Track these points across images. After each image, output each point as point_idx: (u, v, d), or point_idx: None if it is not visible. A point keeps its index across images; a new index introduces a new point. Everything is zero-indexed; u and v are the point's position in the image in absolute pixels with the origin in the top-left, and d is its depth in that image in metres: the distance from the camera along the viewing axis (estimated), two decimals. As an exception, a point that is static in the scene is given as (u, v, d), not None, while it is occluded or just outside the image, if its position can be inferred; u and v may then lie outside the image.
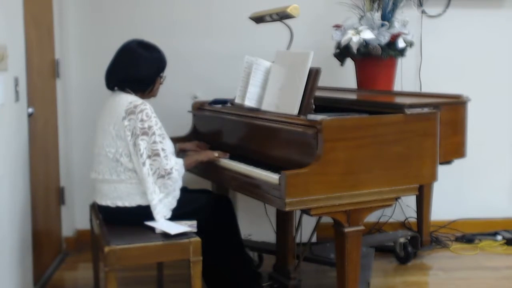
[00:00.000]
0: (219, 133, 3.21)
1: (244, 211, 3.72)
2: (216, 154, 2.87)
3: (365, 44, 3.54)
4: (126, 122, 2.57)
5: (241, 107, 2.98)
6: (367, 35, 3.53)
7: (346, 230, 2.50)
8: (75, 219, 4.01)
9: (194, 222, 2.61)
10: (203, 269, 2.50)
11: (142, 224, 2.58)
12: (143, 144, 2.56)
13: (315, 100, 2.67)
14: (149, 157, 2.57)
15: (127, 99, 2.64)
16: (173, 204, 2.65)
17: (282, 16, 3.05)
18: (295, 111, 2.66)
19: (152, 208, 2.59)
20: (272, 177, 2.41)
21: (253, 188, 2.56)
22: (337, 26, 3.73)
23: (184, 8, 4.04)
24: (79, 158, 3.98)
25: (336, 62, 3.76)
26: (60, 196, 3.77)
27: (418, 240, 3.71)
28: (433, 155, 2.67)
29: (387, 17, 3.64)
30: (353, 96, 3.31)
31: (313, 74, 2.67)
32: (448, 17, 4.14)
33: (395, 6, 3.65)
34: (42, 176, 3.35)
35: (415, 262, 3.68)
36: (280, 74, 2.83)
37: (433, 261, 3.73)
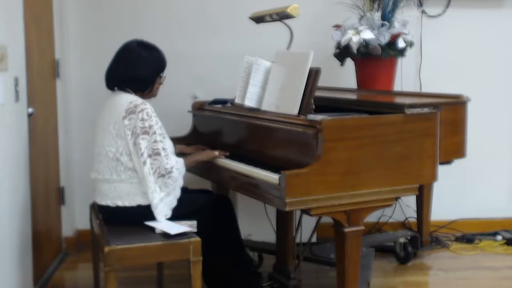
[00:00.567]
0: (219, 133, 3.21)
1: (244, 211, 3.72)
2: (216, 153, 2.88)
3: (365, 44, 3.54)
4: (126, 122, 2.57)
5: (241, 107, 2.98)
6: (367, 35, 3.53)
7: (346, 230, 2.50)
8: (75, 219, 4.01)
9: (194, 222, 2.61)
10: (203, 269, 2.50)
11: (142, 224, 2.58)
12: (143, 143, 2.56)
13: (315, 100, 2.67)
14: (149, 156, 2.57)
15: (127, 99, 2.64)
16: (174, 203, 2.65)
17: (282, 16, 3.05)
18: (295, 111, 2.66)
19: (153, 208, 2.59)
20: (272, 177, 2.41)
21: (253, 188, 2.56)
22: (337, 26, 3.73)
23: (184, 8, 4.04)
24: (79, 158, 3.98)
25: (336, 62, 3.76)
26: (60, 196, 3.77)
27: (418, 240, 3.71)
28: (433, 155, 2.67)
29: (387, 17, 3.64)
30: (353, 96, 3.31)
31: (313, 74, 2.67)
32: (448, 17, 4.14)
33: (395, 6, 3.65)
34: (42, 176, 3.35)
35: (415, 262, 3.68)
36: (280, 74, 2.83)
37: (433, 261, 3.73)
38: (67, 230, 3.87)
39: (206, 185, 3.33)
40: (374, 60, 3.59)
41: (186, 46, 4.01)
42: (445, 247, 3.95)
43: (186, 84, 3.97)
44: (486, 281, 3.40)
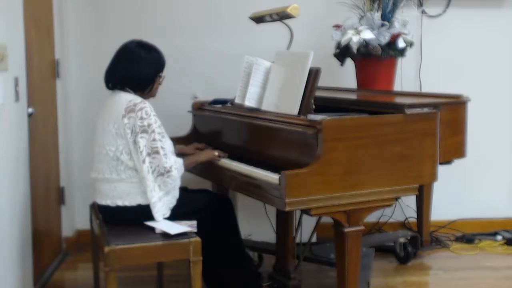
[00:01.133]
0: (219, 133, 3.21)
1: (244, 211, 3.72)
2: (216, 153, 2.88)
3: (365, 44, 3.54)
4: (125, 120, 2.58)
5: (241, 107, 2.98)
6: (367, 35, 3.53)
7: (346, 230, 2.50)
8: (75, 219, 4.01)
9: (194, 222, 2.61)
10: (203, 269, 2.50)
11: (142, 223, 2.58)
12: (142, 141, 2.56)
13: (315, 100, 2.67)
14: (148, 154, 2.57)
15: (127, 98, 2.64)
16: (173, 203, 2.65)
17: (282, 16, 3.05)
18: (295, 111, 2.66)
19: (152, 207, 2.59)
20: (272, 177, 2.41)
21: (253, 188, 2.56)
22: (337, 26, 3.73)
23: (184, 8, 4.04)
24: (79, 158, 3.98)
25: (336, 62, 3.76)
26: (60, 196, 3.77)
27: (418, 240, 3.71)
28: (433, 155, 2.67)
29: (387, 17, 3.64)
30: (353, 96, 3.31)
31: (313, 74, 2.67)
32: (448, 17, 4.14)
33: (395, 6, 3.65)
34: (42, 176, 3.35)
35: (415, 262, 3.68)
36: (280, 74, 2.83)
37: (433, 261, 3.73)
38: (67, 230, 3.87)
39: (206, 185, 3.33)
40: (374, 60, 3.59)
41: (186, 46, 4.01)
42: (445, 247, 3.95)
43: (186, 84, 3.96)
44: (486, 281, 3.40)
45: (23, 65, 3.01)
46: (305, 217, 2.97)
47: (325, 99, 3.05)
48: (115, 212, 2.64)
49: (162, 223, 2.57)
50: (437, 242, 3.98)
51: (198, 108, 3.44)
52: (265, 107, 2.86)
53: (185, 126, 3.52)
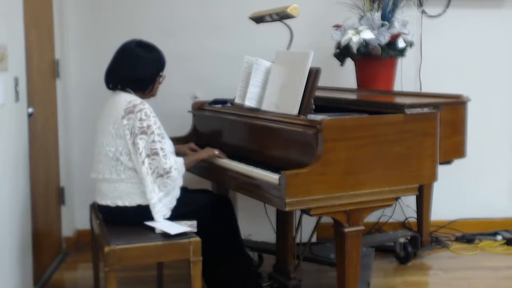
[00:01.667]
0: (219, 133, 3.21)
1: (244, 211, 3.72)
2: (216, 151, 2.88)
3: (365, 44, 3.54)
4: (125, 121, 2.58)
5: (241, 107, 2.98)
6: (367, 35, 3.53)
7: (346, 230, 2.50)
8: (75, 219, 4.01)
9: (194, 222, 2.61)
10: (203, 269, 2.50)
11: (142, 224, 2.58)
12: (141, 143, 2.56)
13: (315, 100, 2.67)
14: (148, 156, 2.57)
15: (127, 98, 2.64)
16: (173, 203, 2.65)
17: (282, 16, 3.05)
18: (295, 111, 2.66)
19: (151, 207, 2.59)
20: (272, 177, 2.41)
21: (253, 188, 2.56)
22: (337, 26, 3.73)
23: (184, 8, 4.04)
24: (79, 158, 3.98)
25: (336, 62, 3.76)
26: (60, 196, 3.77)
27: (418, 240, 3.71)
28: (433, 155, 2.67)
29: (387, 17, 3.64)
30: (353, 96, 3.31)
31: (313, 74, 2.67)
32: (448, 17, 4.14)
33: (395, 6, 3.65)
34: (42, 176, 3.35)
35: (415, 262, 3.68)
36: (280, 74, 2.83)
37: (433, 261, 3.73)
38: (67, 230, 3.87)
39: (206, 185, 3.33)
40: (374, 60, 3.59)
41: (186, 46, 4.01)
42: (445, 247, 3.95)
43: (186, 84, 3.97)
44: (486, 281, 3.40)
45: (23, 65, 3.01)
46: (305, 217, 2.97)
47: (325, 99, 3.05)
48: (115, 212, 2.64)
49: (162, 223, 2.57)
50: (437, 242, 3.98)
51: (198, 108, 3.44)
52: (265, 107, 2.86)
53: (185, 126, 3.52)
